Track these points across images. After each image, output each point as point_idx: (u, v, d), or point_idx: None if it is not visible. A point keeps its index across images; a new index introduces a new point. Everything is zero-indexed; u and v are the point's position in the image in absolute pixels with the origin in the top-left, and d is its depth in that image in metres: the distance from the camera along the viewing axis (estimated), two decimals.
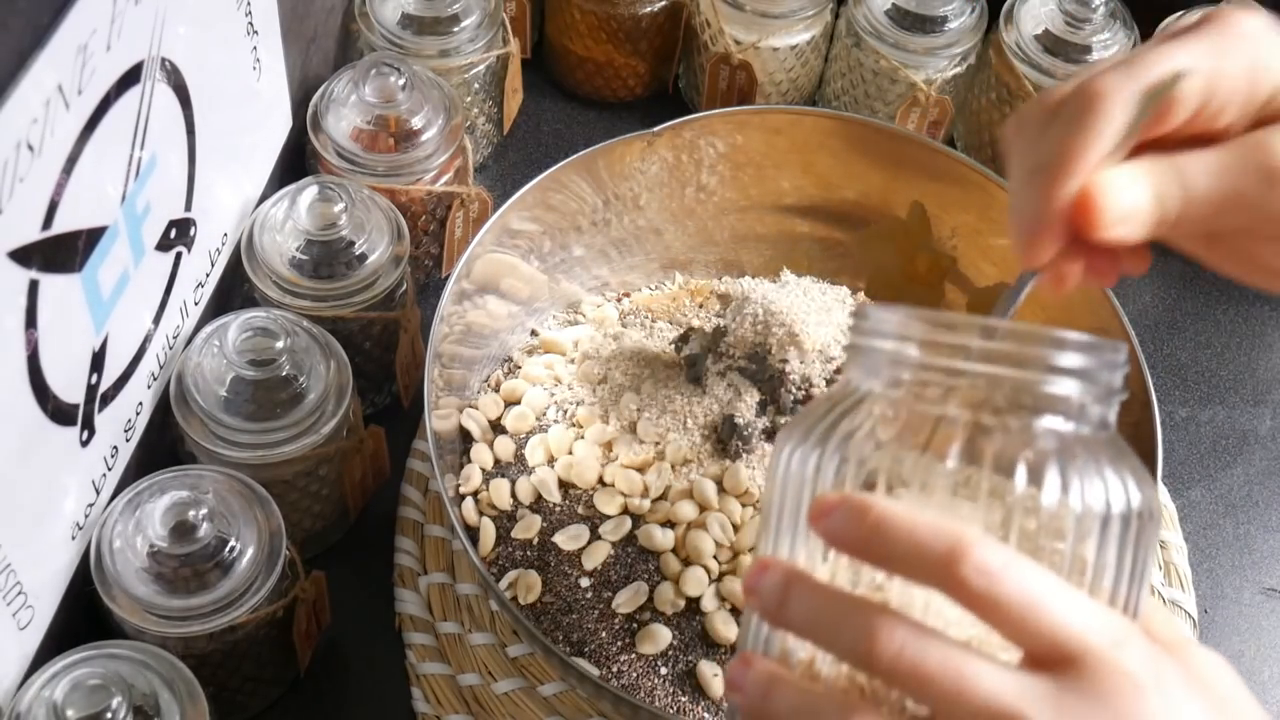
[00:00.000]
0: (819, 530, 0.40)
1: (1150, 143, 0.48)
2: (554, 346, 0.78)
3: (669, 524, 0.69)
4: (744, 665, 0.42)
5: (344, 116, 0.78)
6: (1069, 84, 0.49)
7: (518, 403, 0.75)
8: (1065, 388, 0.41)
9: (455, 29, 0.85)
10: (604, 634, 0.66)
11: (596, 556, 0.68)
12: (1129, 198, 0.47)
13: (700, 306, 0.80)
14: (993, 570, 0.38)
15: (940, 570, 0.38)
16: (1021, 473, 0.40)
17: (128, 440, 0.66)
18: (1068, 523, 0.40)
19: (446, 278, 0.75)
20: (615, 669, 0.66)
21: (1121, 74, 0.47)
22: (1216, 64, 0.47)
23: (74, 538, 0.62)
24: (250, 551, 0.62)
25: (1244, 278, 0.52)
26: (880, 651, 0.38)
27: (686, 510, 0.69)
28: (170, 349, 0.69)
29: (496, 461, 0.73)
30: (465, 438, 0.74)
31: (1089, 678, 0.38)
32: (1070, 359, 0.41)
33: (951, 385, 0.42)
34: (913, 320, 0.43)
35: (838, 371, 0.73)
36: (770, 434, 0.71)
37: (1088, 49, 0.88)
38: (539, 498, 0.71)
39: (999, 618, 0.38)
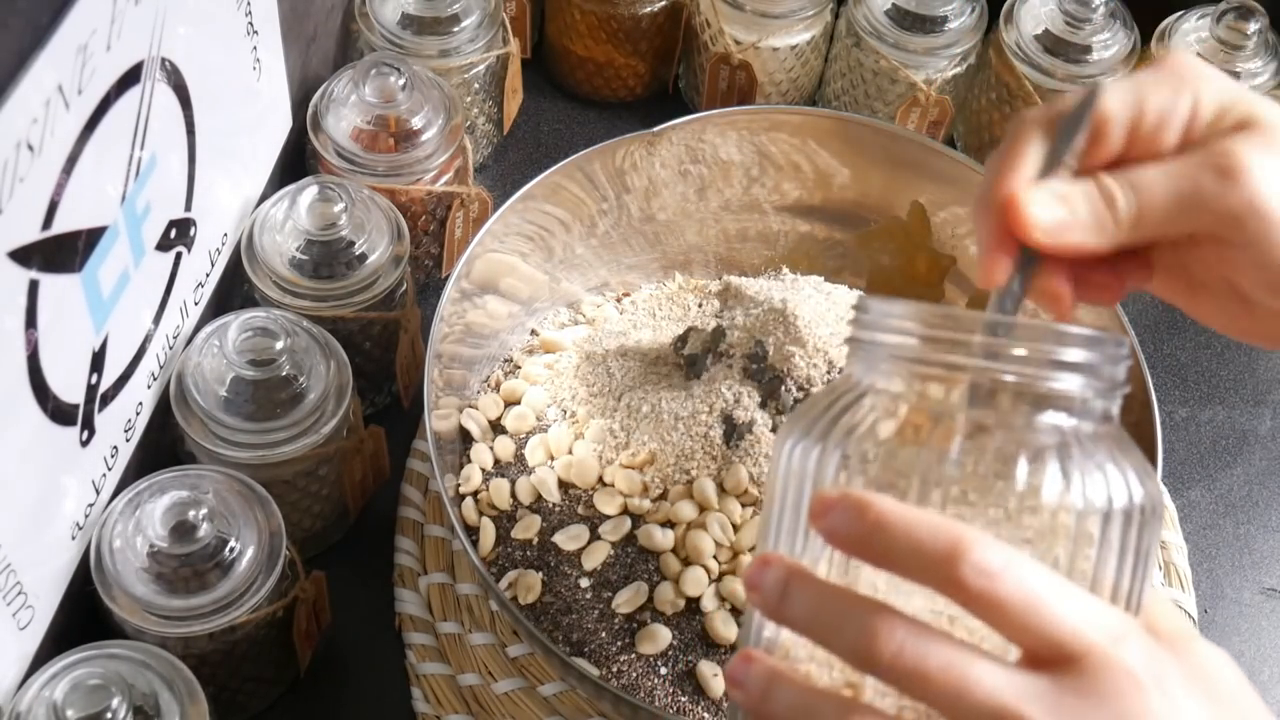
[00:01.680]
0: (818, 529, 0.40)
1: (1107, 168, 0.49)
2: (554, 346, 0.78)
3: (669, 524, 0.69)
4: (745, 662, 0.42)
5: (344, 116, 0.78)
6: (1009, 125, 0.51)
7: (518, 403, 0.75)
8: (1068, 384, 0.41)
9: (455, 29, 0.85)
10: (604, 634, 0.67)
11: (596, 556, 0.68)
12: (1059, 201, 0.47)
13: (700, 306, 0.80)
14: (992, 570, 0.38)
15: (939, 570, 0.38)
16: (1023, 469, 0.40)
17: (128, 440, 0.66)
18: (1069, 519, 0.40)
19: (446, 278, 0.75)
20: (615, 669, 0.66)
21: (1045, 106, 0.50)
22: (1141, 89, 0.48)
23: (74, 538, 0.62)
24: (250, 551, 0.62)
25: (1232, 327, 0.53)
26: (880, 650, 0.38)
27: (686, 510, 0.69)
28: (170, 349, 0.69)
29: (496, 461, 0.73)
30: (465, 438, 0.74)
31: (1089, 676, 0.38)
32: (1073, 354, 0.41)
33: (953, 381, 0.41)
34: (913, 315, 0.42)
35: (839, 371, 0.73)
36: (773, 431, 0.71)
37: (1088, 49, 0.88)
38: (539, 498, 0.71)
39: (998, 618, 0.38)
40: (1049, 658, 0.38)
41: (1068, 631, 0.38)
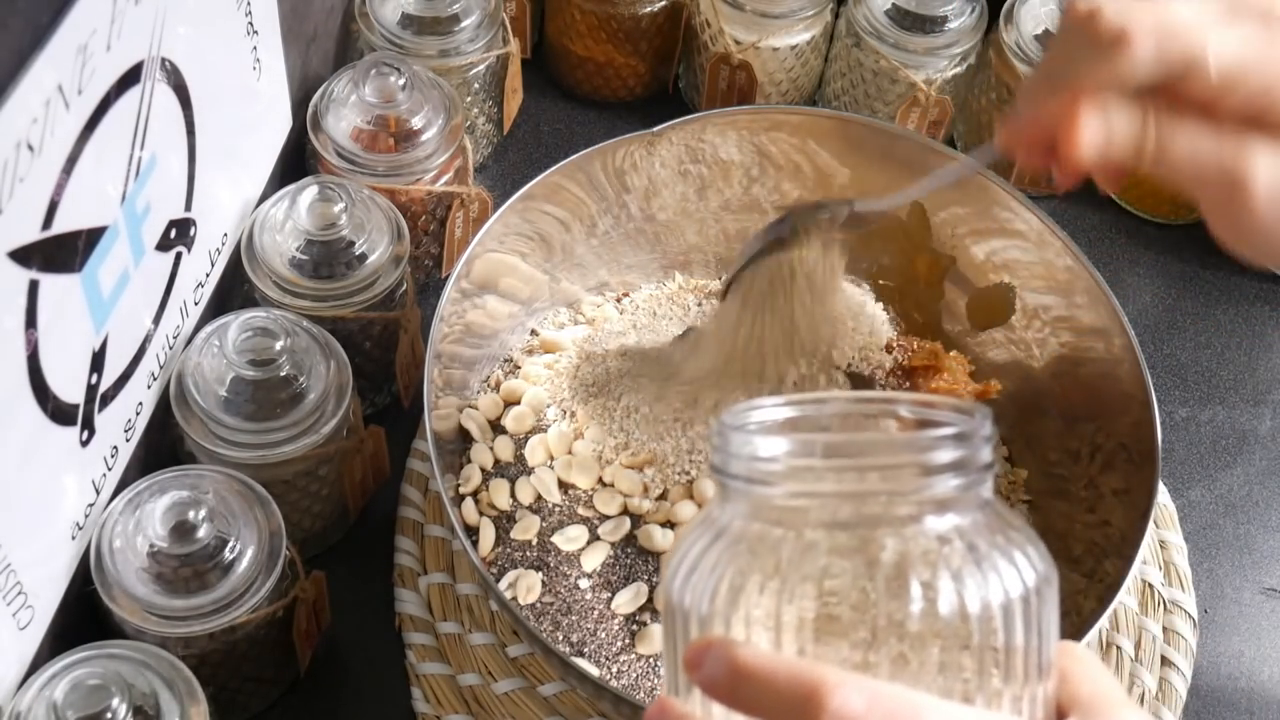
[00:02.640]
0: (693, 680, 0.39)
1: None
2: (554, 346, 0.78)
3: (669, 524, 0.69)
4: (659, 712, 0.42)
5: (344, 116, 0.78)
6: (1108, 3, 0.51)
7: (518, 403, 0.75)
8: (942, 487, 0.39)
9: (455, 29, 0.85)
10: (603, 634, 0.67)
11: (596, 557, 0.68)
12: (1104, 139, 0.50)
13: (700, 306, 0.81)
14: (853, 714, 0.36)
15: (802, 719, 0.37)
16: (914, 589, 0.38)
17: (128, 440, 0.66)
18: (972, 626, 0.38)
19: (446, 278, 0.75)
20: (615, 669, 0.66)
21: (1154, 29, 0.49)
22: (1262, 52, 0.49)
23: (74, 538, 0.62)
24: (250, 551, 0.62)
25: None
26: None
27: (687, 511, 0.69)
28: (170, 349, 0.69)
29: (496, 461, 0.73)
30: (465, 438, 0.74)
31: None
32: (940, 456, 0.39)
33: (817, 508, 0.39)
34: (765, 444, 0.40)
35: (845, 370, 0.73)
36: None
37: None
38: (539, 498, 0.71)
39: None
40: None
41: None
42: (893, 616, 0.38)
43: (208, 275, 0.73)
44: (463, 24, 0.85)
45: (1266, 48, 0.49)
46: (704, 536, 0.41)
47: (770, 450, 0.40)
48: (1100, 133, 0.50)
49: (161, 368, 0.69)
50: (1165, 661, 0.75)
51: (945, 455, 0.39)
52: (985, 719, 0.38)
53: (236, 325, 0.67)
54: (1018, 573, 0.39)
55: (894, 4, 0.90)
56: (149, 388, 0.68)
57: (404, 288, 0.76)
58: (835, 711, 0.37)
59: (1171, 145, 0.50)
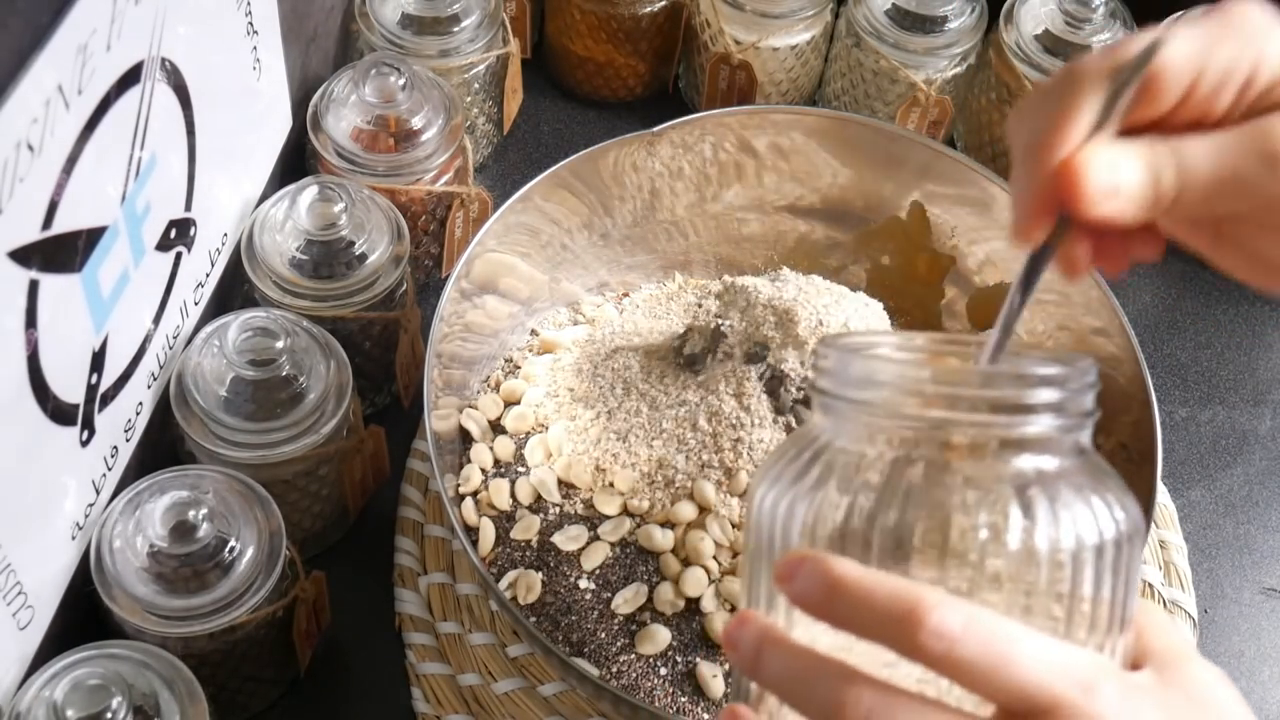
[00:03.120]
0: (783, 591, 0.40)
1: (1150, 127, 0.45)
2: (554, 346, 0.78)
3: (669, 524, 0.69)
4: (740, 624, 0.42)
5: (344, 116, 0.78)
6: (1059, 71, 0.47)
7: (517, 403, 0.75)
8: (1041, 425, 0.40)
9: (455, 29, 0.85)
10: (604, 634, 0.67)
11: (596, 557, 0.68)
12: (1112, 172, 0.44)
13: (700, 306, 0.80)
14: (951, 633, 0.37)
15: (899, 635, 0.38)
16: (1015, 516, 0.39)
17: (128, 440, 0.66)
18: (1064, 562, 0.39)
19: (446, 278, 0.75)
20: (615, 669, 0.66)
21: (1103, 53, 0.45)
22: (1207, 45, 0.44)
23: (74, 538, 0.62)
24: (250, 551, 0.62)
25: (1248, 277, 0.50)
26: (848, 716, 0.38)
27: (686, 510, 0.69)
28: (170, 349, 0.69)
29: (496, 461, 0.73)
30: (465, 438, 0.74)
31: None
32: (1042, 395, 0.40)
33: (920, 434, 0.40)
34: (875, 368, 0.41)
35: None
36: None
37: (1088, 49, 0.88)
38: (538, 498, 0.71)
39: (964, 678, 0.38)
40: (1021, 712, 0.38)
41: (1035, 686, 0.37)
42: (987, 549, 0.39)
43: (208, 275, 0.73)
44: (463, 24, 0.85)
45: (1213, 40, 0.44)
46: (801, 456, 0.42)
47: (881, 374, 0.41)
48: (1103, 171, 0.43)
49: (161, 368, 0.69)
50: None
51: (1048, 395, 0.40)
52: (1075, 652, 0.39)
53: (236, 325, 0.67)
54: (1111, 517, 0.40)
55: (894, 4, 0.90)
56: (149, 388, 0.68)
57: (404, 288, 0.76)
58: (933, 629, 0.37)
59: (1190, 154, 0.44)
